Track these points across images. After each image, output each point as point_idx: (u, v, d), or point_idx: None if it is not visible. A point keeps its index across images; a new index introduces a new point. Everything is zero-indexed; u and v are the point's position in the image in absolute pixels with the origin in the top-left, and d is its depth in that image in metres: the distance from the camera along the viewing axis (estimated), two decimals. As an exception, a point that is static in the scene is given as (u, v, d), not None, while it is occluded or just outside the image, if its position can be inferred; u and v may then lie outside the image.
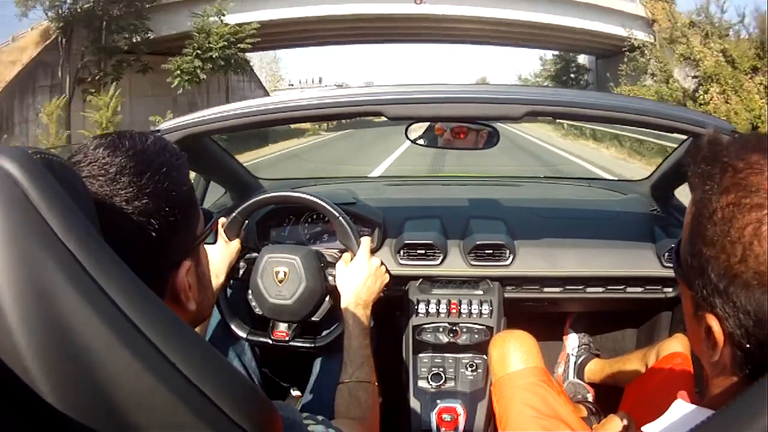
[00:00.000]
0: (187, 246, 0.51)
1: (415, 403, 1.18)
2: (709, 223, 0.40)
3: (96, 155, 0.45)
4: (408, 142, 1.19)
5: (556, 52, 28.85)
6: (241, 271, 1.13)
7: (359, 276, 1.02)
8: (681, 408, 0.48)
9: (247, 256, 1.15)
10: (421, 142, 1.17)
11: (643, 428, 0.48)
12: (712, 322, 0.42)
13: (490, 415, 1.13)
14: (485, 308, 1.28)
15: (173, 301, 0.50)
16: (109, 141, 0.47)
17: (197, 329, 0.95)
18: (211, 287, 0.60)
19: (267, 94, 22.27)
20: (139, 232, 0.45)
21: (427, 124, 1.14)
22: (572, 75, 28.74)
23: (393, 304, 1.30)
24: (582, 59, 28.15)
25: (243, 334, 1.11)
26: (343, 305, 1.01)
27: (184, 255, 0.50)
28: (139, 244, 0.45)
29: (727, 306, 0.41)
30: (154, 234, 0.45)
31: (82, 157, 0.46)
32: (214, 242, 0.63)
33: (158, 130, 1.03)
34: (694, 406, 0.47)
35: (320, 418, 0.62)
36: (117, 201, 0.44)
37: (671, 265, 1.37)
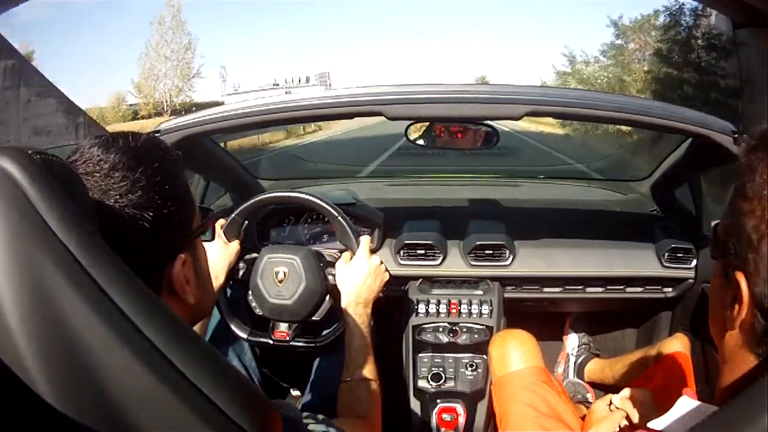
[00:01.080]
0: (182, 239, 0.52)
1: (415, 403, 1.18)
2: (751, 182, 0.45)
3: (91, 153, 0.47)
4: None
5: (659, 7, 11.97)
6: (241, 272, 1.13)
7: (359, 275, 1.02)
8: (686, 404, 0.48)
9: (247, 256, 1.15)
10: (420, 142, 1.17)
11: (649, 424, 0.49)
12: (741, 278, 0.44)
13: (490, 415, 1.13)
14: (485, 308, 1.28)
15: (171, 294, 0.51)
16: (103, 140, 0.49)
17: (197, 328, 0.95)
18: (211, 284, 0.61)
19: (71, 107, 10.27)
20: (134, 224, 0.46)
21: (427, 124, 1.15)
22: (703, 58, 11.05)
23: (393, 304, 1.30)
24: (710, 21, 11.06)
25: (243, 335, 1.11)
26: (343, 304, 1.01)
27: (180, 248, 0.52)
28: (134, 237, 0.46)
29: (759, 260, 0.43)
30: (148, 226, 0.47)
31: (78, 156, 0.48)
32: (212, 239, 0.65)
33: (158, 131, 1.03)
34: (698, 403, 0.48)
35: (321, 417, 0.62)
36: (111, 195, 0.46)
37: (671, 265, 1.38)
